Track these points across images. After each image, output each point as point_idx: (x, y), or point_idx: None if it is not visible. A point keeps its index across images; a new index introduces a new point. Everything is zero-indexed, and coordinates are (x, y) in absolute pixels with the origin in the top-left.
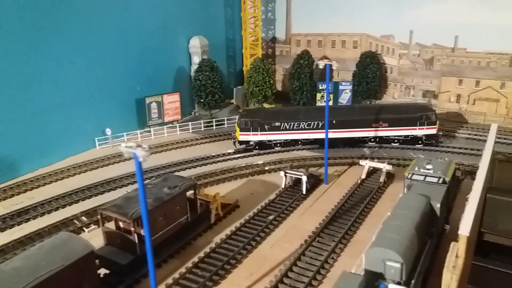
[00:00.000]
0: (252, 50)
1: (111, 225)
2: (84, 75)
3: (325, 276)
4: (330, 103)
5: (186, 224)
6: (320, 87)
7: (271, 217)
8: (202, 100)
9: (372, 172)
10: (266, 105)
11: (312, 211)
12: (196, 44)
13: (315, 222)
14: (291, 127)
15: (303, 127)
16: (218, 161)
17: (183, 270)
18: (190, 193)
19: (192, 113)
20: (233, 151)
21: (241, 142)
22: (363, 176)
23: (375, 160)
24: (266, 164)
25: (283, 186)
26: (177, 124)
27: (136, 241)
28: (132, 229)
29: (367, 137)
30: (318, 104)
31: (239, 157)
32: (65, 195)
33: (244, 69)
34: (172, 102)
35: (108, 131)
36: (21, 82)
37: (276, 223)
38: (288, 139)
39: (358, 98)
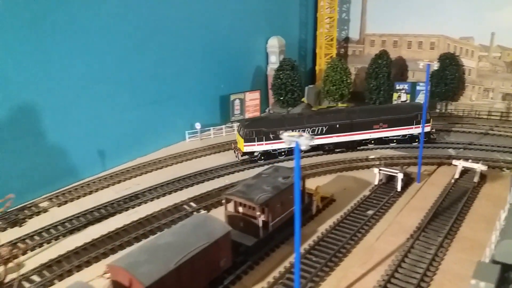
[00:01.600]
0: (326, 50)
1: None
2: (177, 74)
3: (438, 268)
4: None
5: None
6: (398, 87)
7: (370, 212)
8: (281, 98)
9: (463, 172)
10: (340, 104)
11: (410, 207)
12: (274, 44)
13: (416, 218)
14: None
15: (307, 133)
16: (307, 156)
17: (293, 257)
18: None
19: (267, 110)
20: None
21: (245, 154)
22: (457, 176)
23: (469, 160)
24: (353, 162)
25: (376, 183)
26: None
27: (260, 225)
28: (258, 213)
29: (369, 139)
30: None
31: (324, 154)
32: (168, 183)
33: (316, 68)
34: (253, 99)
35: (198, 125)
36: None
37: (377, 218)
38: (292, 147)
39: (436, 99)
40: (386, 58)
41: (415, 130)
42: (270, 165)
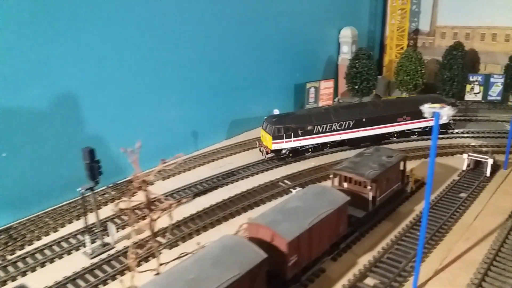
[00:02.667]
0: (397, 41)
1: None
2: (256, 62)
3: None
4: (479, 96)
5: (397, 191)
6: (471, 79)
7: (463, 194)
8: (356, 87)
9: None
10: (413, 95)
11: (502, 191)
12: (347, 34)
13: (510, 201)
14: (323, 130)
15: (335, 128)
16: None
17: (397, 231)
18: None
19: (336, 99)
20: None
21: (272, 151)
22: None
23: None
24: (437, 149)
25: (464, 168)
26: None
27: (370, 199)
28: (369, 187)
29: (393, 132)
30: (467, 96)
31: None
32: (258, 163)
33: (386, 59)
34: (327, 88)
35: (276, 111)
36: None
37: (470, 200)
38: (319, 143)
39: (511, 92)
40: (461, 50)
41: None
42: (370, 146)
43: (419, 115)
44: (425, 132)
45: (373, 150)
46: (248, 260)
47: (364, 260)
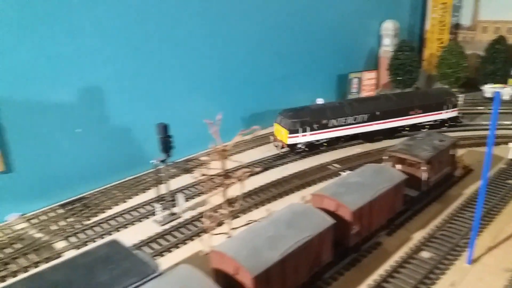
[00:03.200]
0: (438, 35)
1: None
2: (300, 52)
3: None
4: None
5: (447, 175)
6: None
7: (511, 181)
8: (399, 78)
9: None
10: (454, 88)
11: None
12: (389, 27)
13: None
14: (338, 124)
15: (349, 122)
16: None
17: (448, 212)
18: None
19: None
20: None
21: (288, 146)
22: None
23: None
24: (477, 138)
25: (510, 157)
26: None
27: (424, 179)
28: (423, 168)
29: (405, 125)
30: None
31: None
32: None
33: (427, 52)
34: (370, 78)
35: (320, 100)
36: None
37: None
38: (334, 137)
39: None
40: (504, 44)
41: (445, 114)
42: (422, 131)
43: (430, 108)
44: (436, 126)
45: (425, 134)
46: (317, 224)
47: (418, 236)
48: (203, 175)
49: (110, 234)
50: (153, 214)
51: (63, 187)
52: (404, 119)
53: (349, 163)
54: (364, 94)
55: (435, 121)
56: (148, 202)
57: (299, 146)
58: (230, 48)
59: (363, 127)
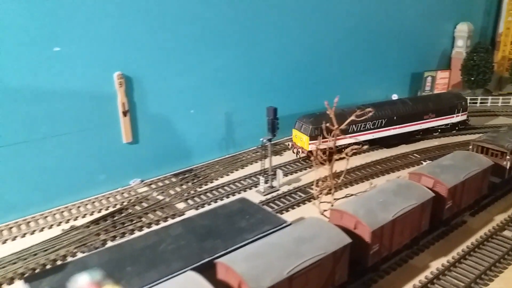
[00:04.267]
0: (511, 38)
1: None
2: (378, 48)
3: None
4: None
5: None
6: None
7: None
8: (472, 79)
9: None
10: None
11: None
12: (463, 29)
13: None
14: (358, 129)
15: (368, 127)
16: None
17: None
18: None
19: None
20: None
21: (310, 152)
22: None
23: None
24: None
25: None
26: None
27: (507, 167)
28: (508, 157)
29: (419, 129)
30: None
31: None
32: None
33: (499, 55)
34: (443, 78)
35: (395, 96)
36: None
37: None
38: (354, 142)
39: None
40: None
41: (456, 118)
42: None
43: (442, 112)
44: (447, 129)
45: (507, 128)
46: (420, 196)
47: (500, 218)
48: (317, 149)
49: (222, 200)
50: (254, 186)
51: (175, 159)
52: (419, 123)
53: (428, 154)
54: (436, 92)
55: (446, 124)
56: (249, 176)
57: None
58: (313, 44)
59: (381, 132)
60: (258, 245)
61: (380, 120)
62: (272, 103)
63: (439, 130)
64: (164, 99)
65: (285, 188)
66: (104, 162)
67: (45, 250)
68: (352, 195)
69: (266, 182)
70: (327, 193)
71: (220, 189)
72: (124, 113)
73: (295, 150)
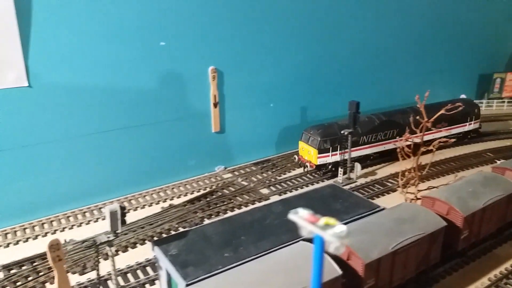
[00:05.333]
0: None
1: None
2: (445, 48)
3: None
4: None
5: None
6: None
7: None
8: None
9: None
10: None
11: None
12: None
13: None
14: (369, 140)
15: (379, 138)
16: None
17: None
18: None
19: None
20: None
21: (318, 166)
22: None
23: None
24: None
25: None
26: (506, 100)
27: None
28: None
29: (432, 139)
30: None
31: None
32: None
33: None
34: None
35: (463, 96)
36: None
37: None
38: (364, 155)
39: None
40: None
41: (469, 126)
42: None
43: (455, 121)
44: (459, 138)
45: None
46: (509, 187)
47: None
48: (407, 139)
49: (302, 188)
50: (331, 178)
51: (255, 149)
52: (432, 133)
53: (502, 153)
54: (505, 94)
55: (459, 133)
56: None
57: (328, 166)
58: (389, 41)
59: (392, 143)
60: (360, 223)
61: (392, 130)
62: (346, 98)
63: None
64: (248, 92)
65: (362, 180)
66: (195, 149)
67: (151, 224)
68: (434, 187)
69: (344, 173)
70: (412, 185)
71: (298, 179)
72: (215, 105)
73: (301, 163)
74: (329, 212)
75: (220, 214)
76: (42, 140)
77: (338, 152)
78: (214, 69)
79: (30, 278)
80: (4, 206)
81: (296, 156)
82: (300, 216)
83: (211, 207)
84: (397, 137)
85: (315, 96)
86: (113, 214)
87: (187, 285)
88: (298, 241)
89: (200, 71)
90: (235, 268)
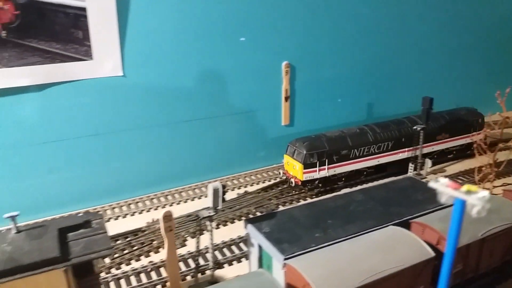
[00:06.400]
0: None
1: None
2: (469, 54)
3: None
4: None
5: None
6: None
7: None
8: None
9: None
10: None
11: None
12: None
13: None
14: (360, 154)
15: (372, 152)
16: None
17: None
18: None
19: None
20: None
21: (304, 183)
22: None
23: None
24: None
25: None
26: None
27: None
28: None
29: (433, 152)
30: None
31: None
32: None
33: None
34: None
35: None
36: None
37: None
38: (355, 169)
39: None
40: None
41: (472, 138)
42: None
43: (457, 131)
44: (462, 150)
45: None
46: None
47: None
48: (486, 136)
49: (372, 182)
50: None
51: None
52: (432, 145)
53: None
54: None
55: (462, 145)
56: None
57: (316, 182)
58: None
59: (388, 157)
60: (446, 211)
61: (386, 143)
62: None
63: (454, 152)
64: (316, 87)
65: (431, 177)
66: (265, 141)
67: (230, 208)
68: (510, 184)
69: (414, 169)
70: (488, 181)
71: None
72: (286, 99)
73: (286, 179)
74: (412, 202)
75: (293, 202)
76: (134, 127)
77: (326, 166)
78: (288, 64)
79: (135, 248)
80: (102, 184)
81: (281, 171)
82: (442, 183)
83: (284, 195)
84: (393, 150)
85: (380, 93)
86: (215, 191)
87: (285, 258)
88: (387, 225)
89: (275, 66)
90: (329, 247)
